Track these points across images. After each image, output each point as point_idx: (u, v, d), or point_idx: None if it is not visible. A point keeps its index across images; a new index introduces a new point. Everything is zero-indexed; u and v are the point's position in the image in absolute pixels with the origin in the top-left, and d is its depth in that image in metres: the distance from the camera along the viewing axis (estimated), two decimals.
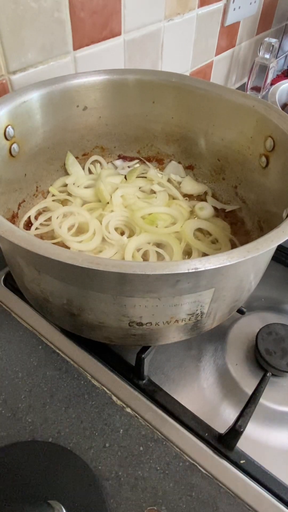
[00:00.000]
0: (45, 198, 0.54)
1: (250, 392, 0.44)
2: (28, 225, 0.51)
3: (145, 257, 0.47)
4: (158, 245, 0.48)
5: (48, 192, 0.55)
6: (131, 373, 0.46)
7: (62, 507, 0.35)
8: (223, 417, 0.44)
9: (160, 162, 0.61)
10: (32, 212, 0.52)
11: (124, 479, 0.39)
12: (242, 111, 0.48)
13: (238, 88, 1.06)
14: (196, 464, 0.40)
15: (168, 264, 0.28)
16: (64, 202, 0.54)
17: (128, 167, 0.60)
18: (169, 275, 0.28)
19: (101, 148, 0.58)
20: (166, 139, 0.58)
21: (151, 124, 0.57)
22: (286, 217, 0.36)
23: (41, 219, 0.51)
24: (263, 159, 0.47)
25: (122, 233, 0.50)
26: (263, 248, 0.30)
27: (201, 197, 0.58)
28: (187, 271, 0.28)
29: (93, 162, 0.58)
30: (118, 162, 0.60)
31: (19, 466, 0.38)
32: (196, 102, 0.52)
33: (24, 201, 0.51)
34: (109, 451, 0.40)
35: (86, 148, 0.57)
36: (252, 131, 0.48)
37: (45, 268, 0.33)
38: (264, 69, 0.92)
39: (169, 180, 0.59)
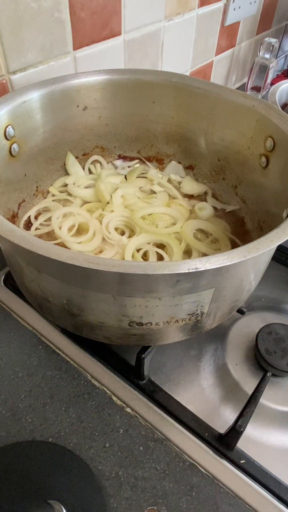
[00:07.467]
0: (45, 198, 0.54)
1: (250, 392, 0.44)
2: (28, 225, 0.51)
3: (145, 257, 0.47)
4: (158, 245, 0.48)
5: (48, 192, 0.55)
6: (131, 373, 0.46)
7: (62, 507, 0.35)
8: (223, 417, 0.44)
9: (160, 162, 0.61)
10: (32, 212, 0.52)
11: (124, 479, 0.38)
12: (242, 111, 0.48)
13: (238, 88, 1.06)
14: (196, 464, 0.40)
15: (168, 264, 0.28)
16: (64, 202, 0.54)
17: (128, 167, 0.60)
18: (169, 275, 0.28)
19: (101, 148, 0.58)
20: (166, 139, 0.58)
21: (151, 124, 0.57)
22: (286, 217, 0.36)
23: (41, 219, 0.51)
24: (263, 159, 0.47)
25: (122, 233, 0.50)
26: (263, 248, 0.30)
27: (201, 197, 0.58)
28: (187, 271, 0.28)
29: (93, 162, 0.58)
30: (118, 162, 0.60)
31: (19, 466, 0.38)
32: (196, 102, 0.52)
33: (24, 201, 0.51)
34: (109, 451, 0.40)
35: (86, 148, 0.57)
36: (252, 131, 0.48)
37: (45, 268, 0.33)
38: (264, 69, 0.92)
39: (169, 180, 0.59)
